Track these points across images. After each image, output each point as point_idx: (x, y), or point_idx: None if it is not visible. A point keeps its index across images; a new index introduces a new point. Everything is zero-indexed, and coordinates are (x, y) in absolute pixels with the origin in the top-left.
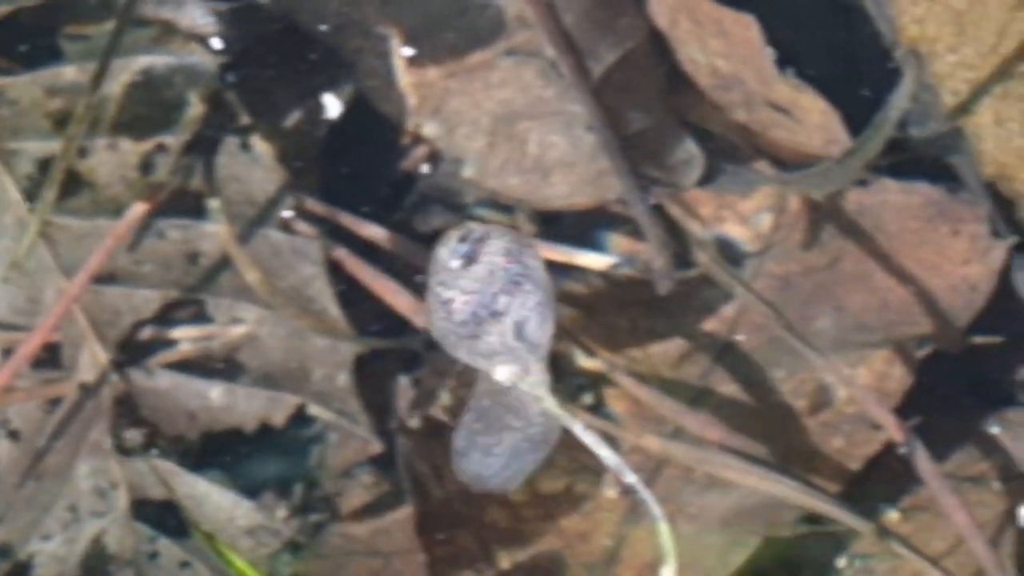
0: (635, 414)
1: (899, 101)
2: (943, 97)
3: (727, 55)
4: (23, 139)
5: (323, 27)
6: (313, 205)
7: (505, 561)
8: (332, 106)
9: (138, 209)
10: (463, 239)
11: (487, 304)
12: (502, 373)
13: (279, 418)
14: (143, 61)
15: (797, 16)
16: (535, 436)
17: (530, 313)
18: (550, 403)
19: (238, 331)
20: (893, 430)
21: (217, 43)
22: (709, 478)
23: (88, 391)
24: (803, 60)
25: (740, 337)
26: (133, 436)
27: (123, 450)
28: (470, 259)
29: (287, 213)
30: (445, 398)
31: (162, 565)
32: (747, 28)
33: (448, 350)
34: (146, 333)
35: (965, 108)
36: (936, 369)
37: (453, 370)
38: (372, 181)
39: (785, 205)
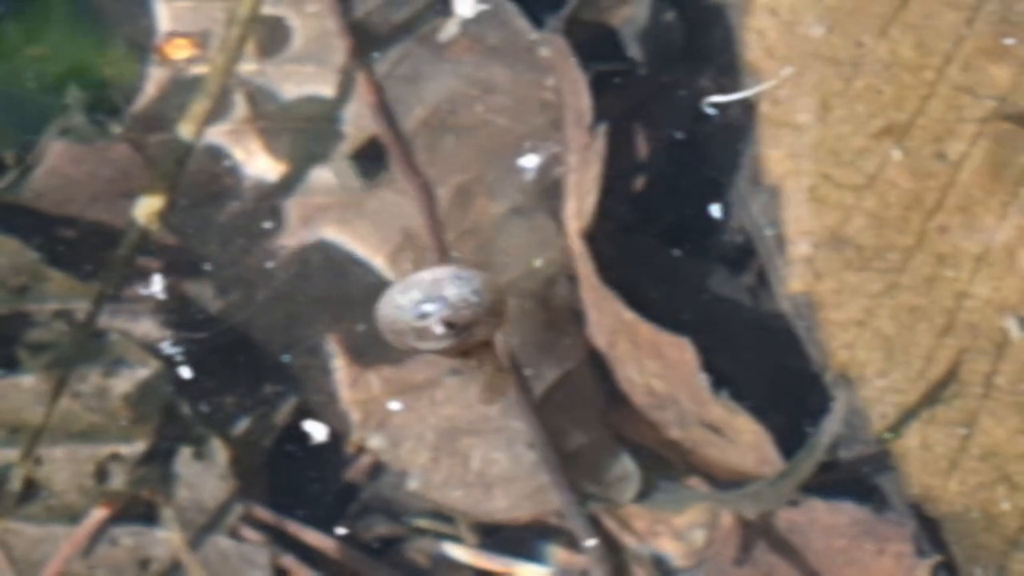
0: None
1: (831, 426)
2: (871, 420)
3: (663, 376)
4: None
5: (272, 342)
6: (261, 512)
7: None
8: (318, 432)
9: (96, 516)
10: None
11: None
12: None
13: None
14: (100, 372)
15: (731, 339)
16: None
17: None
18: None
19: None
20: None
21: (170, 353)
22: None
23: None
24: (736, 382)
25: None
26: None
27: None
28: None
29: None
30: None
31: None
32: (683, 351)
33: None
34: None
35: (892, 431)
36: None
37: None
38: (316, 489)
39: (718, 521)
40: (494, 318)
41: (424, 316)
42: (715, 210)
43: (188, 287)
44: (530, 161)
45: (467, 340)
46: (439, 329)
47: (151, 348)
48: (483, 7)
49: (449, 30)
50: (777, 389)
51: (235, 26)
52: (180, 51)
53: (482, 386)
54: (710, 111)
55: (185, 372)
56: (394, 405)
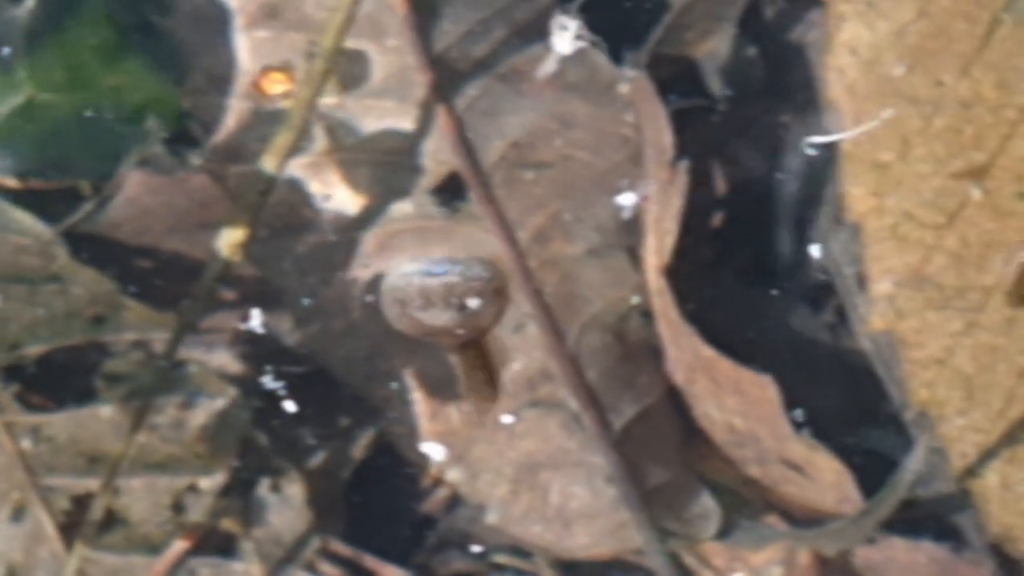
0: None
1: (913, 464)
2: (951, 459)
3: (743, 413)
4: (59, 476)
5: (351, 374)
6: (337, 546)
7: None
8: (436, 452)
9: (178, 547)
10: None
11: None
12: None
13: None
14: (176, 403)
15: (809, 377)
16: None
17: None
18: None
19: None
20: None
21: (247, 384)
22: None
23: None
24: (815, 420)
25: None
26: None
27: None
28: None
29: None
30: None
31: None
32: (764, 388)
33: None
34: None
35: (972, 470)
36: None
37: None
38: (392, 522)
39: (795, 559)
40: (497, 305)
41: (432, 275)
42: (796, 247)
43: (266, 318)
44: (627, 199)
45: (470, 320)
46: (471, 287)
47: (228, 379)
48: (581, 44)
49: (547, 67)
50: (856, 427)
51: (319, 59)
52: (276, 85)
53: (468, 389)
54: (810, 151)
55: (263, 404)
56: (506, 419)
